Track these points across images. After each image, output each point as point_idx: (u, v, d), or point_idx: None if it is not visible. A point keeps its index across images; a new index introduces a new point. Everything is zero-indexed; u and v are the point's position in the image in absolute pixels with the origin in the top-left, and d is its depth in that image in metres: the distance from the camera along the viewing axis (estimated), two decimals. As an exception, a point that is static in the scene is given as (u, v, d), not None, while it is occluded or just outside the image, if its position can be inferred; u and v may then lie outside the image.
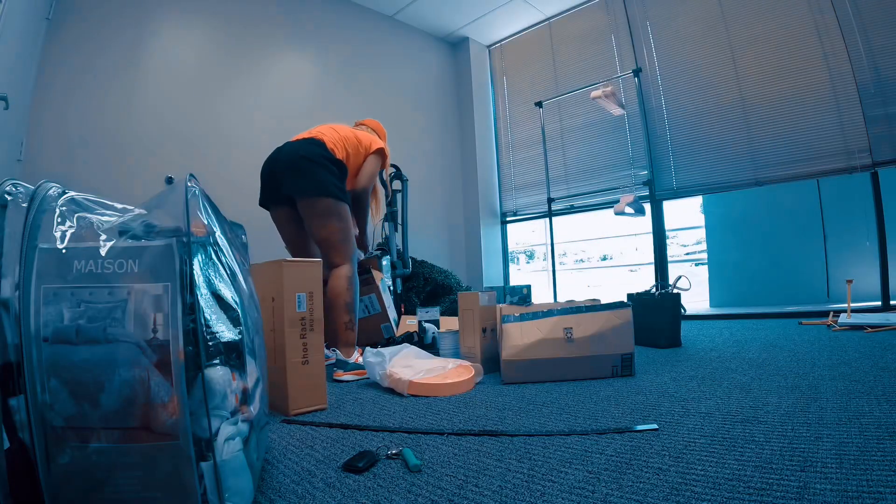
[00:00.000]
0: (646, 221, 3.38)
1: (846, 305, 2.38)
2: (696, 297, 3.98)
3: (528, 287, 1.87)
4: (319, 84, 3.48)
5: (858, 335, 1.92)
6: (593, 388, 1.32)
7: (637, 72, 3.36)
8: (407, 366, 1.45)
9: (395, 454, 0.83)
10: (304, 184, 1.76)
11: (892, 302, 2.68)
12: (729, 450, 0.78)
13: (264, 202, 1.96)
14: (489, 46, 4.47)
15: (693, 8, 3.28)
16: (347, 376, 1.63)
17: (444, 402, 1.23)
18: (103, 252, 0.56)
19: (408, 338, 2.04)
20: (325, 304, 1.71)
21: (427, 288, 3.03)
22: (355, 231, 2.03)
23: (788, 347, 1.77)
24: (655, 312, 2.00)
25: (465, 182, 4.28)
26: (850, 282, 2.33)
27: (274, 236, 2.61)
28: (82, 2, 2.43)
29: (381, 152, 2.00)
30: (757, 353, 1.69)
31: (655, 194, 3.35)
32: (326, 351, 1.72)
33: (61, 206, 0.58)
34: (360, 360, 1.70)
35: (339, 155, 1.84)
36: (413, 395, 1.32)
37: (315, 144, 1.82)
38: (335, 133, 1.91)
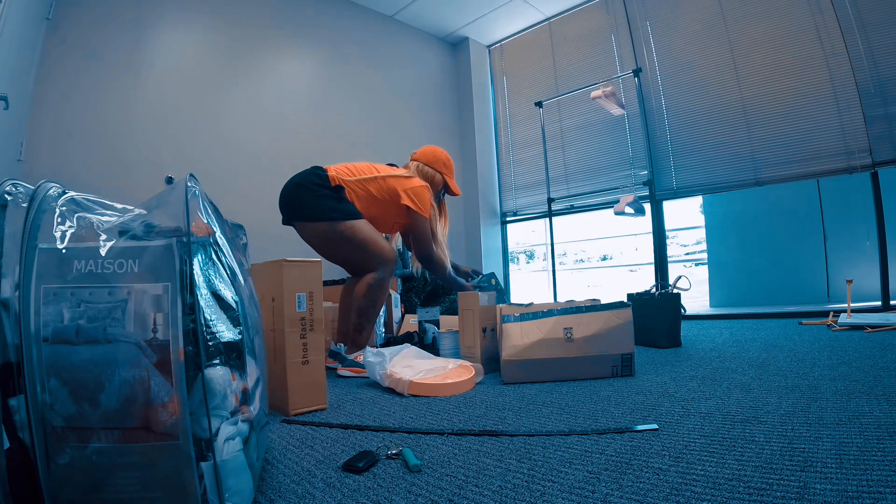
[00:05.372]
0: (646, 221, 3.38)
1: (846, 305, 2.38)
2: (696, 297, 3.99)
3: (492, 274, 1.92)
4: (319, 84, 3.48)
5: (858, 335, 1.92)
6: (593, 388, 1.32)
7: (637, 72, 3.36)
8: (407, 366, 1.45)
9: (395, 454, 0.83)
10: (295, 214, 1.81)
11: (892, 302, 2.68)
12: (729, 450, 0.78)
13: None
14: (489, 46, 4.47)
15: (693, 8, 3.28)
16: (345, 371, 1.69)
17: (444, 402, 1.23)
18: (103, 252, 0.56)
19: (408, 338, 2.04)
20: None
21: (427, 288, 3.03)
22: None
23: (788, 347, 1.77)
24: (655, 312, 2.00)
25: (465, 182, 4.27)
26: (850, 282, 2.33)
27: (274, 236, 2.61)
28: (82, 2, 2.43)
29: (420, 216, 1.85)
30: (757, 353, 1.69)
31: (655, 194, 3.35)
32: (334, 346, 1.78)
33: (61, 206, 0.58)
34: (362, 358, 1.73)
35: (349, 187, 1.80)
36: (413, 395, 1.32)
37: (313, 174, 1.82)
38: (347, 169, 1.85)
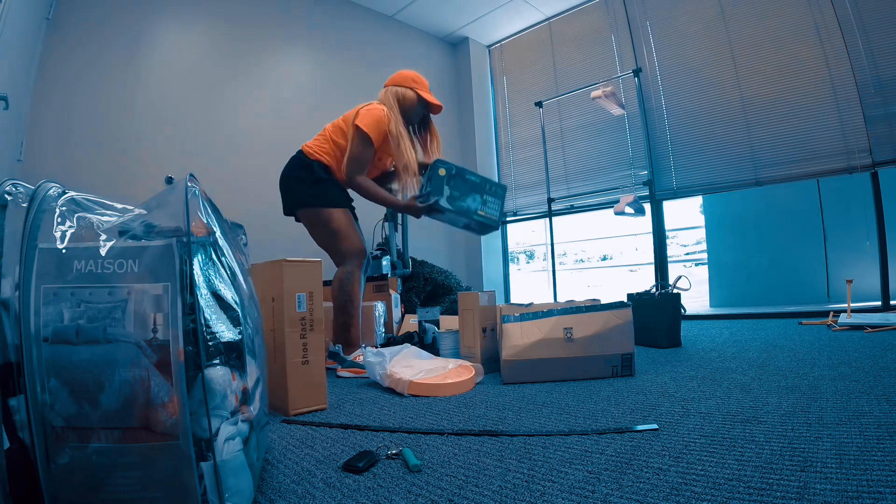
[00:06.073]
0: (646, 221, 3.38)
1: (846, 305, 2.38)
2: (696, 297, 3.99)
3: (438, 163, 1.81)
4: (319, 84, 3.48)
5: (858, 335, 1.92)
6: (593, 388, 1.32)
7: (637, 72, 3.36)
8: (407, 366, 1.45)
9: (395, 454, 0.83)
10: (287, 204, 1.92)
11: (892, 302, 2.68)
12: (729, 450, 0.78)
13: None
14: (489, 46, 4.47)
15: (693, 8, 3.28)
16: (344, 372, 1.69)
17: (444, 402, 1.23)
18: (103, 252, 0.56)
19: (408, 338, 2.04)
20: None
21: (427, 288, 3.03)
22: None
23: (788, 347, 1.77)
24: (655, 312, 2.00)
25: (465, 182, 4.27)
26: (850, 282, 2.33)
27: (275, 235, 2.61)
28: (82, 2, 2.42)
29: (358, 129, 1.78)
30: (757, 353, 1.69)
31: (655, 194, 3.35)
32: (332, 347, 1.79)
33: (61, 206, 0.58)
34: (361, 359, 1.73)
35: (318, 152, 1.87)
36: (413, 395, 1.32)
37: (293, 159, 1.92)
38: (323, 133, 1.93)
